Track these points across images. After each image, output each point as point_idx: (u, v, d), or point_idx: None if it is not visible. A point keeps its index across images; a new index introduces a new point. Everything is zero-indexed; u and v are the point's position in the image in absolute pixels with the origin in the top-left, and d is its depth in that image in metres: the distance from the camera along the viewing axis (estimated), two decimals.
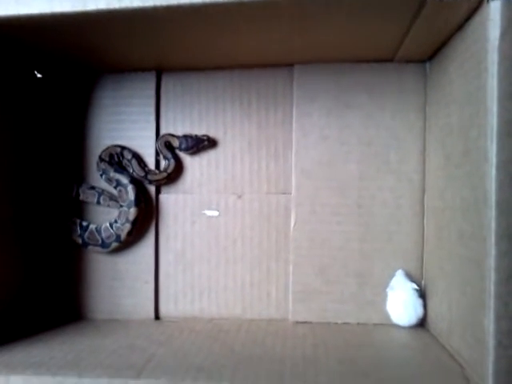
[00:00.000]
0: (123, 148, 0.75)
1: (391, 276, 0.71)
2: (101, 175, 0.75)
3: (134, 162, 0.74)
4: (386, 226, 0.72)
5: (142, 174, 0.74)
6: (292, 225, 0.74)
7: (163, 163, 0.76)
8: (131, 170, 0.74)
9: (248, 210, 0.75)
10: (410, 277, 0.71)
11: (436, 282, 0.66)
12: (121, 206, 0.74)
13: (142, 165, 0.75)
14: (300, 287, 0.73)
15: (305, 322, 0.73)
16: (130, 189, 0.72)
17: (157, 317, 0.76)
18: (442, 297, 0.64)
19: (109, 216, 0.76)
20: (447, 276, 0.62)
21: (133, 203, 0.72)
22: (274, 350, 0.61)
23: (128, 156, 0.75)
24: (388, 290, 0.71)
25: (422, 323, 0.70)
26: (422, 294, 0.70)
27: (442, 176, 0.64)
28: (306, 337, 0.67)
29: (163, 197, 0.77)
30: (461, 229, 0.57)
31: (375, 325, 0.71)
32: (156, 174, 0.75)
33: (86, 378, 0.52)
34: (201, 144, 0.74)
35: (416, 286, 0.69)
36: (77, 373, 0.53)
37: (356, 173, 0.73)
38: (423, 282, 0.71)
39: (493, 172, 0.49)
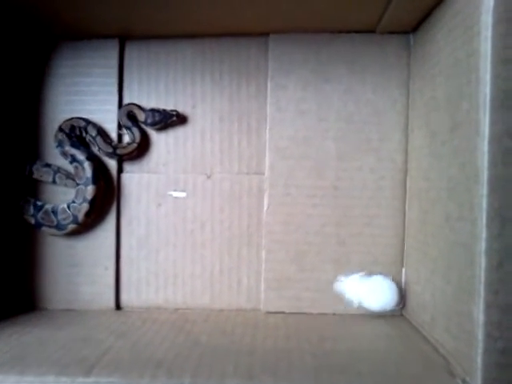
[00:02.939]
0: (88, 123, 0.69)
1: (370, 263, 0.67)
2: (56, 146, 0.69)
3: (98, 139, 0.68)
4: (365, 209, 0.68)
5: (110, 149, 0.68)
6: (265, 208, 0.69)
7: (127, 138, 0.70)
8: (96, 148, 0.69)
9: (218, 191, 0.70)
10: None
11: (418, 269, 0.62)
12: (77, 185, 0.67)
13: (108, 140, 0.69)
14: (273, 275, 0.69)
15: (277, 312, 0.68)
16: (87, 165, 0.66)
17: (117, 306, 0.70)
18: (425, 284, 0.59)
19: (67, 197, 0.69)
20: (431, 262, 0.58)
21: (90, 181, 0.66)
22: (243, 341, 0.56)
23: (92, 132, 0.68)
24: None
25: (401, 313, 0.66)
26: (403, 283, 0.66)
27: (427, 154, 0.60)
28: (278, 328, 0.62)
29: (125, 176, 0.71)
30: (447, 210, 0.53)
31: (352, 315, 0.67)
32: (125, 146, 0.69)
33: (28, 376, 0.46)
34: (169, 119, 0.69)
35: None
36: (19, 370, 0.47)
37: (334, 151, 0.68)
38: (404, 269, 0.67)
39: (485, 146, 0.44)
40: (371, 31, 0.67)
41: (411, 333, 0.60)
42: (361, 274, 0.66)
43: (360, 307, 0.65)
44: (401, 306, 0.66)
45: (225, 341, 0.56)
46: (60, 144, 0.68)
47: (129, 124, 0.69)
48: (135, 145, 0.69)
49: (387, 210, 0.67)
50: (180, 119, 0.69)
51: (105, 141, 0.68)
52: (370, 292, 0.65)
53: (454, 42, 0.52)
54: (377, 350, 0.56)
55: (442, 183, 0.54)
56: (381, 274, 0.66)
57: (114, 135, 0.70)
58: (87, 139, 0.69)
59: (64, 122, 0.69)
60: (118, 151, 0.68)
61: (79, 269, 0.70)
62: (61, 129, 0.68)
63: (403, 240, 0.67)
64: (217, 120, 0.70)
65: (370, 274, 0.66)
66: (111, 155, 0.69)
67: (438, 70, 0.56)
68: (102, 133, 0.69)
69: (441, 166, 0.55)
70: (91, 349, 0.53)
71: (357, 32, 0.68)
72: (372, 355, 0.54)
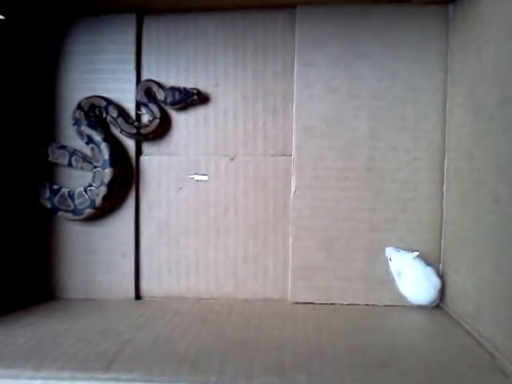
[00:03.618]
0: (109, 103, 0.65)
1: (407, 249, 0.62)
2: (73, 124, 0.65)
3: (120, 120, 0.64)
4: (399, 192, 0.63)
5: (133, 130, 0.65)
6: (292, 191, 0.65)
7: (145, 118, 0.66)
8: (119, 130, 0.65)
9: (242, 174, 0.66)
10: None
11: (459, 257, 0.58)
12: (95, 167, 0.64)
13: (131, 121, 0.66)
14: (300, 263, 0.65)
15: (306, 303, 0.64)
16: (104, 147, 0.63)
17: (137, 296, 0.67)
18: (467, 273, 0.55)
19: (85, 181, 0.66)
20: (474, 249, 0.53)
21: (108, 163, 0.63)
22: (271, 335, 0.53)
23: (113, 113, 0.65)
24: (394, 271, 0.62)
25: (438, 304, 0.61)
26: (441, 272, 0.62)
27: (469, 133, 0.55)
28: (307, 320, 0.58)
29: (145, 159, 0.67)
30: (495, 192, 0.48)
31: (386, 306, 0.63)
32: (148, 125, 0.65)
33: (43, 371, 0.43)
34: (189, 98, 0.65)
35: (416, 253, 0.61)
36: (34, 364, 0.44)
37: (366, 131, 0.63)
38: (442, 257, 0.63)
39: None
40: (406, 1, 0.62)
41: (451, 326, 0.56)
42: (414, 254, 0.61)
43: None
44: (437, 302, 0.61)
45: (252, 334, 0.53)
46: (77, 122, 0.64)
47: (146, 101, 0.65)
48: (157, 120, 0.65)
49: (423, 194, 0.63)
50: (201, 98, 0.65)
51: (127, 121, 0.65)
52: (409, 282, 0.61)
53: (505, 8, 0.47)
54: (416, 344, 0.51)
55: (489, 163, 0.50)
56: (425, 265, 0.61)
57: (131, 115, 0.66)
58: (108, 120, 0.65)
59: (84, 99, 0.65)
60: (142, 131, 0.65)
61: (97, 256, 0.67)
62: (80, 106, 0.65)
63: (441, 226, 0.63)
64: (240, 99, 0.66)
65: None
66: (135, 136, 0.65)
67: (486, 40, 0.51)
68: (124, 113, 0.65)
69: (487, 144, 0.50)
70: (110, 342, 0.50)
71: (391, 2, 0.62)
72: (411, 351, 0.49)
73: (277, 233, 0.66)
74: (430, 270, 0.61)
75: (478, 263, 0.52)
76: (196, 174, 0.66)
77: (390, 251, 0.62)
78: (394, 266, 0.62)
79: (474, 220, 0.53)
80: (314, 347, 0.49)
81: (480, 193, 0.52)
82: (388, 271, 0.62)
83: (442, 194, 0.63)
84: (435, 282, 0.60)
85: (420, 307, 0.61)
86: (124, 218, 0.67)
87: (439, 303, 0.61)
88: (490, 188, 0.49)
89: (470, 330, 0.53)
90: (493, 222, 0.48)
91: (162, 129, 0.66)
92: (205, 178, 0.66)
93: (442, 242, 0.63)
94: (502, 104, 0.47)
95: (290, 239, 0.65)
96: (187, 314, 0.60)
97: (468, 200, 0.55)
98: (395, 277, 0.62)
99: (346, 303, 0.64)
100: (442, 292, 0.61)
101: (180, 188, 0.67)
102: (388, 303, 0.63)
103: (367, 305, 0.63)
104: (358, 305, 0.63)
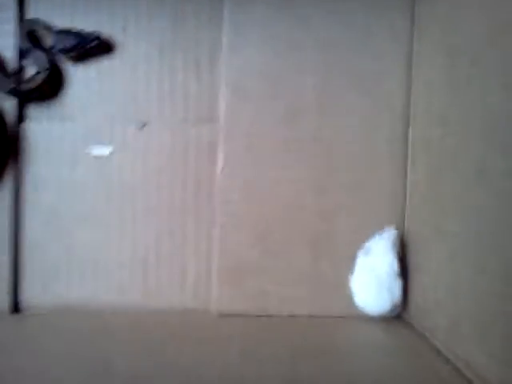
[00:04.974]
0: None
1: (361, 243, 0.51)
2: None
3: None
4: (354, 170, 0.52)
5: (11, 85, 0.51)
6: (219, 169, 0.53)
7: (30, 70, 0.52)
8: None
9: (155, 146, 0.53)
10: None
11: (429, 252, 0.46)
12: None
13: (7, 73, 0.52)
14: (229, 262, 0.53)
15: (235, 315, 0.52)
16: None
17: (15, 308, 0.53)
18: (440, 274, 0.43)
19: None
20: (451, 240, 0.41)
21: None
22: (177, 365, 0.38)
23: None
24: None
25: (400, 314, 0.50)
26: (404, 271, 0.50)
27: (443, 91, 0.44)
28: (233, 340, 0.45)
29: (29, 126, 0.53)
30: (479, 163, 0.36)
31: (336, 318, 0.51)
32: (31, 79, 0.51)
33: None
34: (87, 45, 0.51)
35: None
36: None
37: (313, 91, 0.53)
38: (406, 253, 0.52)
39: None
40: None
41: (418, 344, 0.44)
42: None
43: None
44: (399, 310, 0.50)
45: (149, 365, 0.38)
46: None
47: (31, 47, 0.51)
48: (44, 74, 0.51)
49: (383, 172, 0.53)
50: (103, 46, 0.52)
51: (3, 73, 0.51)
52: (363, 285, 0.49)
53: None
54: (374, 370, 0.38)
55: (471, 123, 0.38)
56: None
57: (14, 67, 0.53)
58: None
59: None
60: (23, 86, 0.51)
61: None
62: None
63: (404, 211, 0.52)
64: (155, 50, 0.53)
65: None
66: (13, 93, 0.51)
67: None
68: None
69: (468, 99, 0.39)
70: None
71: None
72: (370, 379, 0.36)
73: (199, 223, 0.53)
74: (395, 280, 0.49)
75: (455, 260, 0.40)
76: (96, 145, 0.53)
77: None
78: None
79: (449, 201, 0.42)
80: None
81: (458, 166, 0.41)
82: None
83: (406, 172, 0.52)
84: (396, 294, 0.49)
85: (378, 318, 0.49)
86: None
87: (402, 313, 0.50)
88: (471, 158, 0.38)
89: (443, 349, 0.41)
90: (476, 201, 0.37)
91: (52, 86, 0.53)
92: (107, 150, 0.53)
93: (406, 232, 0.52)
94: (489, 43, 0.35)
95: (216, 231, 0.53)
96: (77, 331, 0.47)
97: (440, 176, 0.44)
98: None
99: (285, 314, 0.52)
100: (405, 298, 0.49)
101: (75, 164, 0.53)
102: (338, 314, 0.51)
103: (312, 316, 0.51)
104: (300, 316, 0.52)
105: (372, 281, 0.48)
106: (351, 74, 0.52)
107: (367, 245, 0.50)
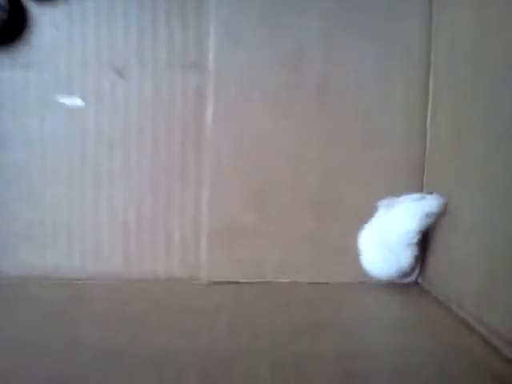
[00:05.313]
0: None
1: (371, 205, 0.45)
2: None
3: None
4: (365, 121, 0.46)
5: None
6: (209, 121, 0.46)
7: None
8: None
9: (135, 96, 0.47)
10: None
11: (453, 211, 0.40)
12: None
13: None
14: (220, 225, 0.47)
15: (227, 283, 0.46)
16: None
17: None
18: (467, 237, 0.37)
19: None
20: (480, 199, 0.35)
21: None
22: (156, 341, 0.33)
23: None
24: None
25: (417, 280, 0.45)
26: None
27: (472, 28, 0.37)
28: (223, 310, 0.39)
29: None
30: None
31: (343, 284, 0.46)
32: None
33: None
34: None
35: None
36: None
37: (318, 32, 0.45)
38: None
39: None
40: None
41: (439, 315, 0.38)
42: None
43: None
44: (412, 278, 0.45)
45: (126, 339, 0.33)
46: None
47: None
48: (4, 14, 0.44)
49: (398, 126, 0.46)
50: None
51: None
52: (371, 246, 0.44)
53: None
54: (394, 346, 0.32)
55: (507, 64, 0.32)
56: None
57: None
58: None
59: None
60: None
61: None
62: None
63: (423, 169, 0.46)
64: None
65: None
66: None
67: None
68: None
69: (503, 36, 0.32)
70: None
71: None
72: (383, 351, 0.30)
73: (186, 182, 0.47)
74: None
75: (488, 221, 0.34)
76: (67, 96, 0.47)
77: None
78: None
79: (476, 160, 0.36)
80: (226, 362, 0.29)
81: (491, 117, 0.34)
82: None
83: (425, 127, 0.46)
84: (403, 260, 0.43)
85: (390, 284, 0.44)
86: None
87: (418, 279, 0.45)
88: (508, 110, 0.31)
89: (472, 321, 0.35)
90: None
91: (14, 28, 0.46)
92: (80, 102, 0.47)
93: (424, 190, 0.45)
94: None
95: (205, 191, 0.47)
96: (46, 302, 0.41)
97: (468, 130, 0.38)
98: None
99: (284, 281, 0.46)
100: (423, 263, 0.44)
101: (43, 117, 0.47)
102: (345, 279, 0.46)
103: (314, 283, 0.46)
104: (300, 283, 0.46)
105: (380, 244, 0.42)
106: (361, 14, 0.45)
107: (395, 200, 0.44)
